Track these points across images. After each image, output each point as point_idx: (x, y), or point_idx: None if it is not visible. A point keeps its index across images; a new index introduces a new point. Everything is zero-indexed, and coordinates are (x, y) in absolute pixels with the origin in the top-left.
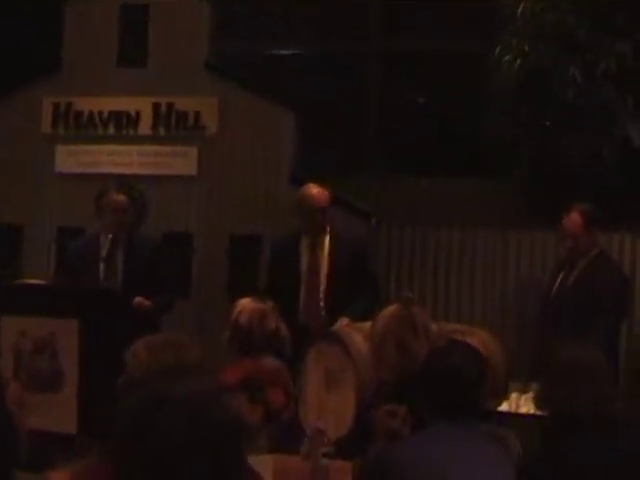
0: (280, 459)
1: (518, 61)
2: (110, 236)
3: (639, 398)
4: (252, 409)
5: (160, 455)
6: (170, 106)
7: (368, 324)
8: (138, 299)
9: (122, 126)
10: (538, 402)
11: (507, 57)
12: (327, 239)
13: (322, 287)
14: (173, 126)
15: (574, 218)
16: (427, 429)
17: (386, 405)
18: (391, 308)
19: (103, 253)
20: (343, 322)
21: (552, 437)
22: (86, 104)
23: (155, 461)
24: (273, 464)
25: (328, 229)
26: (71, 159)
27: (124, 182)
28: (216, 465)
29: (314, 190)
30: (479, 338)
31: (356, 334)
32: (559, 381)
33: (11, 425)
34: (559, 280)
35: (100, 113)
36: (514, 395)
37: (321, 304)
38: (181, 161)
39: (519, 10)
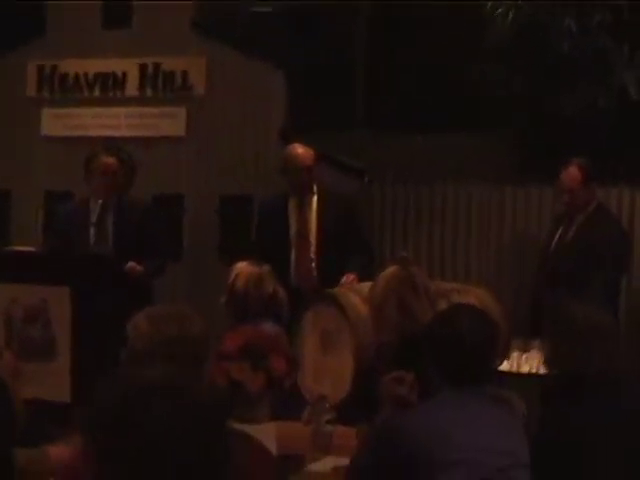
0: (283, 426)
1: (511, 13)
2: (100, 201)
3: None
4: (254, 377)
5: (152, 440)
6: (157, 67)
7: (366, 286)
8: (130, 264)
9: (108, 88)
10: (546, 360)
11: (500, 10)
12: (315, 199)
13: (312, 248)
14: (160, 87)
15: (572, 172)
16: (434, 396)
17: (391, 371)
18: (390, 269)
19: (93, 218)
20: (349, 278)
21: (558, 396)
22: (71, 66)
23: (148, 446)
24: (276, 431)
25: (315, 189)
26: (57, 122)
27: (112, 145)
28: (205, 448)
29: (299, 149)
30: (476, 296)
31: (353, 295)
32: (569, 339)
33: (7, 398)
34: (557, 236)
35: (86, 75)
36: (515, 354)
37: (312, 265)
38: (169, 122)
39: None
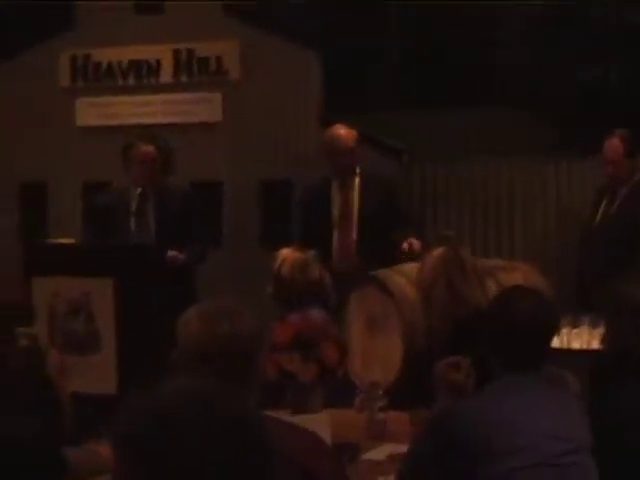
0: (337, 414)
1: None
2: (139, 189)
3: None
4: (306, 367)
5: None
6: (191, 52)
7: (411, 267)
8: (171, 253)
9: (142, 75)
10: (604, 340)
11: None
12: (357, 181)
13: (354, 230)
14: (195, 73)
15: (614, 144)
16: (492, 382)
17: (445, 356)
18: (437, 250)
19: (133, 207)
20: (414, 244)
21: (617, 377)
22: (104, 55)
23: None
24: (330, 421)
25: (358, 170)
26: (92, 112)
27: (148, 132)
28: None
29: (341, 130)
30: (522, 273)
31: (399, 276)
32: (628, 323)
33: (55, 398)
34: (601, 209)
35: (119, 63)
36: (564, 330)
37: (354, 247)
38: (205, 108)
39: None
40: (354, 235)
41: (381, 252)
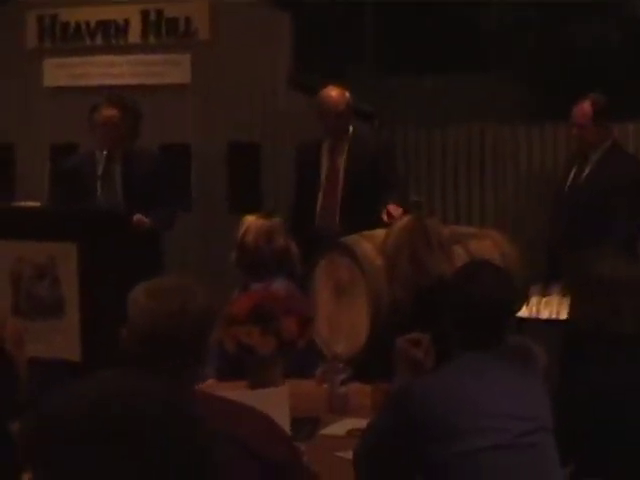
0: (297, 387)
1: None
2: (105, 152)
3: None
4: (264, 341)
5: None
6: (159, 13)
7: (380, 233)
8: (137, 216)
9: (110, 36)
10: (573, 320)
11: None
12: (347, 143)
13: (339, 194)
14: (164, 34)
15: (583, 107)
16: (454, 360)
17: (407, 329)
18: (403, 220)
19: (99, 170)
20: (395, 210)
21: (587, 356)
22: (72, 15)
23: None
24: (290, 394)
25: (351, 131)
26: (60, 72)
27: (117, 95)
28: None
29: (332, 92)
30: (493, 240)
31: (367, 243)
32: (599, 298)
33: (10, 373)
34: (571, 175)
35: (87, 23)
36: (534, 299)
37: (337, 211)
38: (174, 69)
39: None
40: (339, 198)
41: (365, 216)
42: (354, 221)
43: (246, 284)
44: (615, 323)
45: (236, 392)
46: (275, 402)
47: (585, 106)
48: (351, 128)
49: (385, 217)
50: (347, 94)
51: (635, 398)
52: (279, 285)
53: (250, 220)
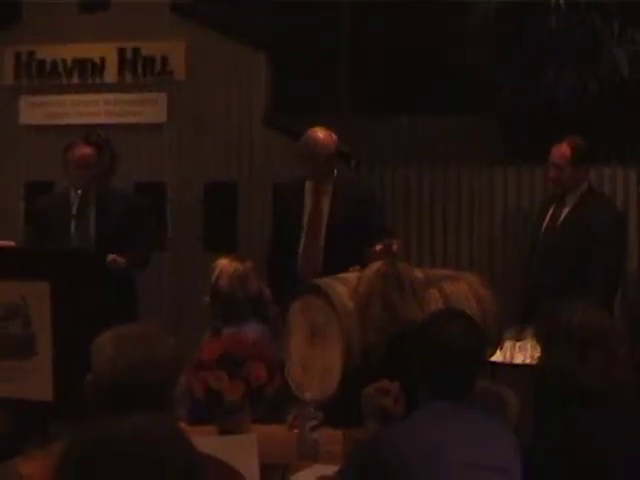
0: (266, 433)
1: None
2: (79, 192)
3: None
4: (233, 386)
5: None
6: (136, 51)
7: (353, 276)
8: (111, 256)
9: (87, 74)
10: (543, 373)
11: None
12: (331, 186)
13: (322, 237)
14: (140, 72)
15: (561, 149)
16: (421, 409)
17: (378, 376)
18: (376, 265)
19: (74, 210)
20: (390, 244)
21: (556, 409)
22: (49, 52)
23: None
24: (259, 440)
25: (335, 174)
26: (36, 110)
27: (92, 133)
28: None
29: (320, 134)
30: (467, 283)
31: (341, 286)
32: (568, 349)
33: None
34: (547, 217)
35: (64, 61)
36: (508, 344)
37: (320, 254)
38: (150, 108)
39: None
40: (322, 242)
41: (348, 262)
42: (338, 263)
43: (218, 327)
44: (581, 373)
45: (205, 438)
46: (244, 448)
47: (563, 148)
48: (335, 171)
49: (381, 247)
50: (334, 136)
51: (596, 452)
52: (251, 329)
53: (223, 263)
